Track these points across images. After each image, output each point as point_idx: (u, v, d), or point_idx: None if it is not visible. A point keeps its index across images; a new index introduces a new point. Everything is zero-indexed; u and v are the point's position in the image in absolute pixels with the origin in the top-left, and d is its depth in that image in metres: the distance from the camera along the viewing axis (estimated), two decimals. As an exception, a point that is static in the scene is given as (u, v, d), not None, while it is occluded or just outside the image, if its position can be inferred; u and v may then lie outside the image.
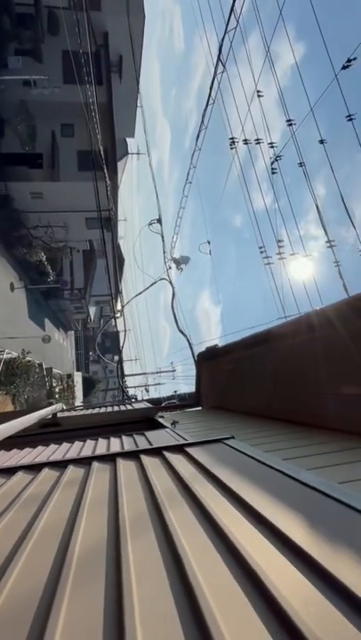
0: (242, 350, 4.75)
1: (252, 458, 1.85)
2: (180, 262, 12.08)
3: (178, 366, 24.43)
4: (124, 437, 3.40)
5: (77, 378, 27.10)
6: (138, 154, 27.10)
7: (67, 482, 1.84)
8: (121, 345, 13.49)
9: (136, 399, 12.29)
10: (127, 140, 23.79)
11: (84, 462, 2.16)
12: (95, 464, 2.09)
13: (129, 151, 24.55)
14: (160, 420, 4.59)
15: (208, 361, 6.43)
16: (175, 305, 10.80)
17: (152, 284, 12.54)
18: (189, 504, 1.41)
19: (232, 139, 10.84)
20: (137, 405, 6.36)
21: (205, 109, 9.86)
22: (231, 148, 11.05)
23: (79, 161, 18.90)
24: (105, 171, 13.43)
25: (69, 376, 24.42)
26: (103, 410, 6.55)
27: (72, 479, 1.88)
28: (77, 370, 33.52)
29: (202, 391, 6.94)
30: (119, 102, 18.94)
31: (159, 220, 12.06)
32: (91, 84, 13.18)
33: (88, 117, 12.96)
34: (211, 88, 9.23)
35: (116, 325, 16.15)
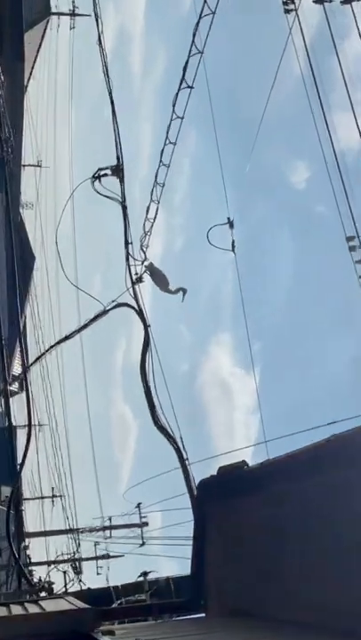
0: (310, 477, 4.79)
1: None
2: (169, 285, 12.34)
3: (151, 514, 24.17)
4: None
5: None
6: (73, 15, 27.95)
7: None
8: (18, 461, 13.41)
9: (51, 591, 12.14)
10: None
11: None
12: None
13: (52, 8, 25.35)
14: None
15: (223, 501, 6.51)
16: (149, 366, 10.87)
17: (98, 317, 12.69)
18: None
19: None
20: (52, 605, 6.33)
21: None
22: (286, 12, 11.45)
23: None
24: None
25: None
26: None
27: None
28: None
29: (208, 574, 6.95)
30: None
31: (118, 170, 12.32)
32: None
33: None
34: None
35: (7, 414, 16.13)
